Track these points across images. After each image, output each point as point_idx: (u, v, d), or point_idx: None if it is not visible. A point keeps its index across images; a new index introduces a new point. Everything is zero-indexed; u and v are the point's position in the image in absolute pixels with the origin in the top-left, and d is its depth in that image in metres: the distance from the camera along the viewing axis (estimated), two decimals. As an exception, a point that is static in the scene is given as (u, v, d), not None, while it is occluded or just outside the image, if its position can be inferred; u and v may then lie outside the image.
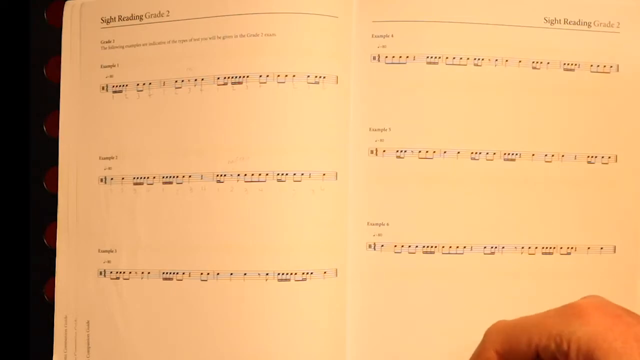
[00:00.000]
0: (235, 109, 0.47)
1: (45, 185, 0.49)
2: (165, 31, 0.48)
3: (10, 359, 0.48)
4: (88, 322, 0.48)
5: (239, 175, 0.46)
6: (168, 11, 0.49)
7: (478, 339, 0.46)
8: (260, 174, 0.46)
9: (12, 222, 0.49)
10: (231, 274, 0.46)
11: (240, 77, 0.47)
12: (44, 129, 0.50)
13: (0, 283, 0.48)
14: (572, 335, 0.31)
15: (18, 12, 0.50)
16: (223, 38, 0.47)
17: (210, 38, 0.48)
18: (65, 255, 0.49)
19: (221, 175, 0.47)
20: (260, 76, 0.46)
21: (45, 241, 0.49)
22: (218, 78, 0.47)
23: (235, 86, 0.47)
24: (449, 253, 0.46)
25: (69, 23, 0.50)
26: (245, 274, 0.46)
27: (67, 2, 0.50)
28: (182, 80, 0.48)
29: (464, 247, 0.46)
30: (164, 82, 0.48)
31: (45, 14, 0.50)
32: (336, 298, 0.45)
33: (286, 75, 0.46)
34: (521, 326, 0.34)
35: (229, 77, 0.47)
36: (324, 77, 0.46)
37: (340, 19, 0.47)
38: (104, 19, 0.50)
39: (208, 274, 0.46)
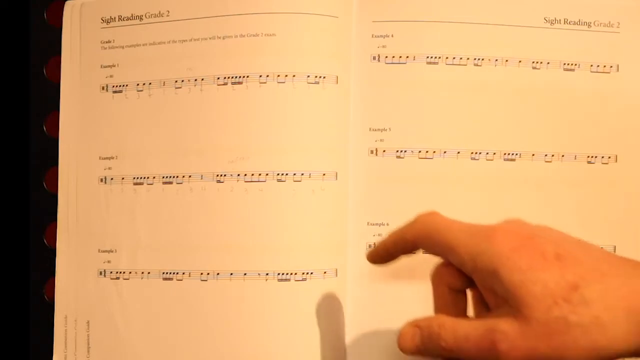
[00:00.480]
0: (235, 109, 0.47)
1: (45, 185, 0.49)
2: (165, 31, 0.49)
3: (10, 358, 0.48)
4: (88, 322, 0.48)
5: (239, 175, 0.46)
6: (168, 11, 0.49)
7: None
8: (260, 174, 0.46)
9: (12, 222, 0.49)
10: (231, 274, 0.46)
11: (240, 77, 0.47)
12: (44, 129, 0.50)
13: (0, 283, 0.48)
14: (480, 255, 0.33)
15: (18, 12, 0.50)
16: (223, 38, 0.47)
17: (210, 38, 0.48)
18: (65, 255, 0.49)
19: (221, 175, 0.47)
20: (260, 76, 0.46)
21: (45, 241, 0.49)
22: (218, 78, 0.47)
23: (235, 86, 0.47)
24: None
25: (69, 23, 0.50)
26: (245, 274, 0.46)
27: (67, 2, 0.50)
28: (182, 80, 0.48)
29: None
30: (164, 82, 0.48)
31: (45, 14, 0.50)
32: (336, 298, 0.45)
33: (286, 75, 0.46)
34: (441, 235, 0.35)
35: (229, 77, 0.47)
36: (324, 77, 0.46)
37: (340, 19, 0.47)
38: (104, 19, 0.50)
39: (208, 274, 0.46)
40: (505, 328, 0.31)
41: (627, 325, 0.30)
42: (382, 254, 0.39)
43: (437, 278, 0.37)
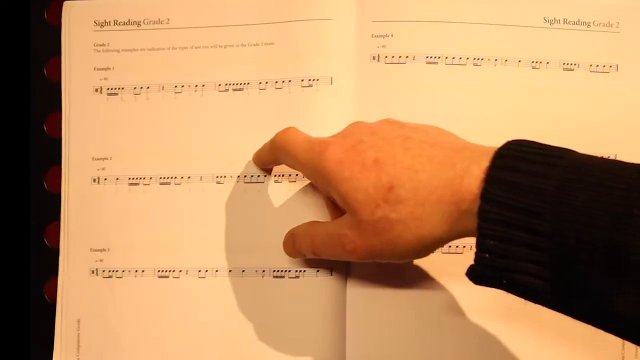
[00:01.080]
0: (235, 114, 0.48)
1: (45, 185, 0.50)
2: (164, 38, 0.49)
3: (10, 358, 0.48)
4: (79, 320, 0.48)
5: (238, 176, 0.47)
6: (168, 19, 0.49)
7: (478, 337, 0.46)
8: (259, 175, 0.47)
9: (12, 222, 0.49)
10: (230, 271, 0.46)
11: (241, 84, 0.47)
12: (44, 129, 0.50)
13: (0, 283, 0.48)
14: (315, 171, 0.37)
15: (18, 12, 0.50)
16: (224, 47, 0.48)
17: (211, 47, 0.48)
18: (64, 254, 0.49)
19: (221, 177, 0.47)
20: (260, 83, 0.47)
21: (45, 241, 0.49)
22: (219, 85, 0.48)
23: (236, 92, 0.47)
24: (448, 252, 0.46)
25: (67, 23, 0.50)
26: (243, 271, 0.46)
27: (65, 2, 0.50)
28: (182, 86, 0.48)
29: (464, 247, 0.46)
30: (163, 87, 0.48)
31: (45, 14, 0.50)
32: (333, 296, 0.45)
33: (283, 81, 0.47)
34: (289, 151, 0.40)
35: (230, 84, 0.48)
36: (317, 80, 0.46)
37: (334, 20, 0.47)
38: (97, 22, 0.50)
39: (207, 271, 0.46)
40: (347, 232, 0.37)
41: (439, 214, 0.33)
42: (258, 162, 0.46)
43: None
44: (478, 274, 0.32)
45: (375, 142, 0.36)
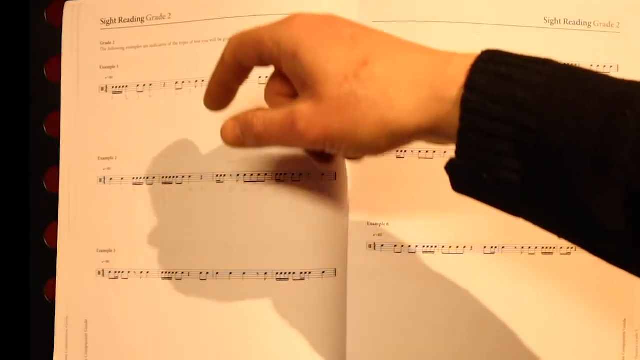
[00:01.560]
0: (235, 110, 0.47)
1: (45, 185, 0.50)
2: (166, 33, 0.49)
3: (10, 358, 0.48)
4: (86, 321, 0.48)
5: (238, 175, 0.47)
6: (170, 14, 0.49)
7: (478, 338, 0.46)
8: (259, 174, 0.46)
9: (12, 222, 0.49)
10: (230, 273, 0.46)
11: None
12: (44, 129, 0.50)
13: (0, 283, 0.48)
14: (282, 39, 0.33)
15: (18, 12, 0.50)
16: (223, 40, 0.48)
17: (211, 40, 0.48)
18: (66, 255, 0.49)
19: (221, 176, 0.47)
20: (260, 77, 0.46)
21: (45, 241, 0.49)
22: None
23: None
24: (449, 253, 0.46)
25: (69, 23, 0.50)
26: (244, 273, 0.46)
27: (67, 3, 0.50)
28: (183, 82, 0.48)
29: (464, 247, 0.46)
30: (164, 84, 0.48)
31: (45, 14, 0.51)
32: (336, 298, 0.45)
33: None
34: (249, 36, 0.35)
35: None
36: None
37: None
38: (103, 20, 0.50)
39: (207, 273, 0.46)
40: (302, 108, 0.33)
41: (413, 98, 0.30)
42: (217, 90, 0.39)
43: (269, 92, 0.38)
44: (458, 167, 0.30)
45: (353, 24, 0.34)
